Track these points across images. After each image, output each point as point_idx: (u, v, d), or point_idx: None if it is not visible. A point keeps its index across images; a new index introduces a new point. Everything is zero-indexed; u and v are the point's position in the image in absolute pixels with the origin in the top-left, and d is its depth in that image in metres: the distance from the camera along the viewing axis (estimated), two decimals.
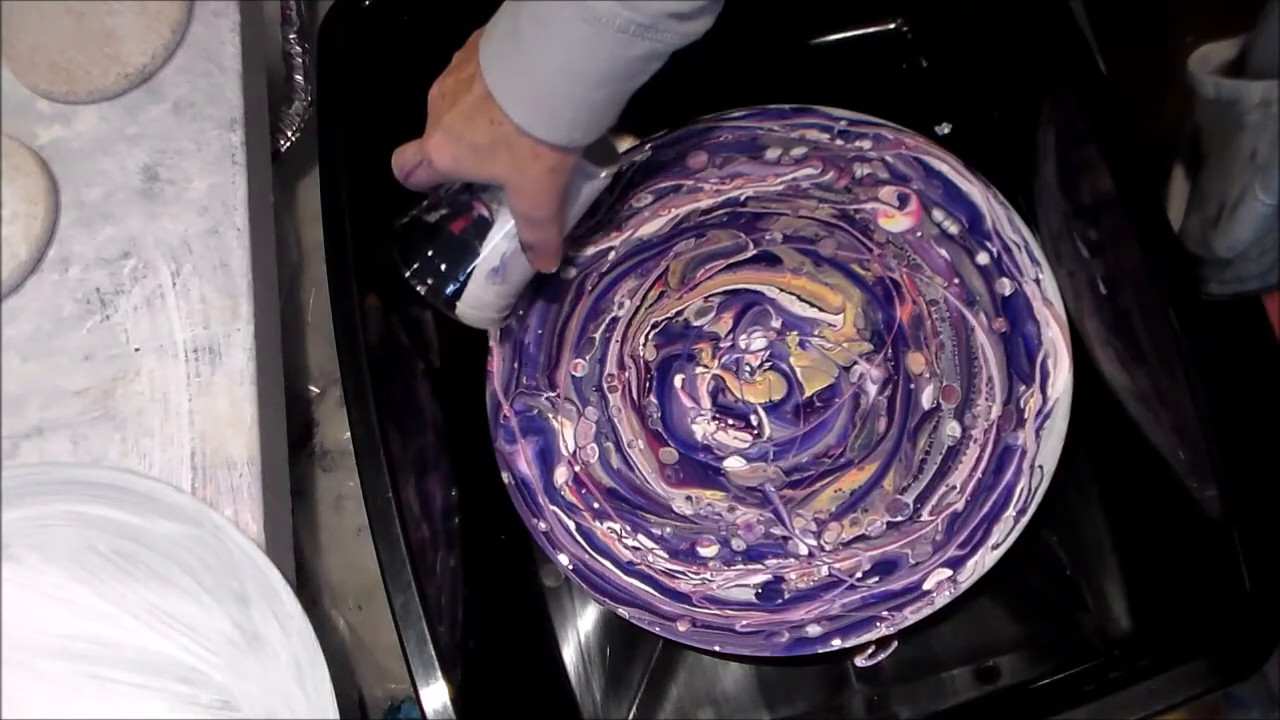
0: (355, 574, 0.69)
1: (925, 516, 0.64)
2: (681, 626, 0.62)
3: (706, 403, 0.68)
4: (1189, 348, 0.56)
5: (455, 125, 0.54)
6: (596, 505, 0.66)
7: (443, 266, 0.59)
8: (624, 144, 0.73)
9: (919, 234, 0.69)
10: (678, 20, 0.49)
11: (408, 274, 0.60)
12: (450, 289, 0.60)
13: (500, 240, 0.59)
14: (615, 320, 0.70)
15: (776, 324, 0.69)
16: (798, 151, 0.72)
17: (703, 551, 0.64)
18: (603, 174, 0.59)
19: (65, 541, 0.55)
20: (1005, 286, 0.67)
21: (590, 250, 0.72)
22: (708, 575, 0.64)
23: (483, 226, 0.59)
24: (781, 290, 0.69)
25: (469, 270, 0.59)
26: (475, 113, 0.53)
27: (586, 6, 0.47)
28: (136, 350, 0.59)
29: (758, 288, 0.70)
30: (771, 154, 0.72)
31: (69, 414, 0.58)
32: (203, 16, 0.66)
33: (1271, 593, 0.52)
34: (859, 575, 0.63)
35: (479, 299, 0.60)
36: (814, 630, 0.61)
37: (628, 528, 0.65)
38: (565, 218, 0.59)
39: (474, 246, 0.59)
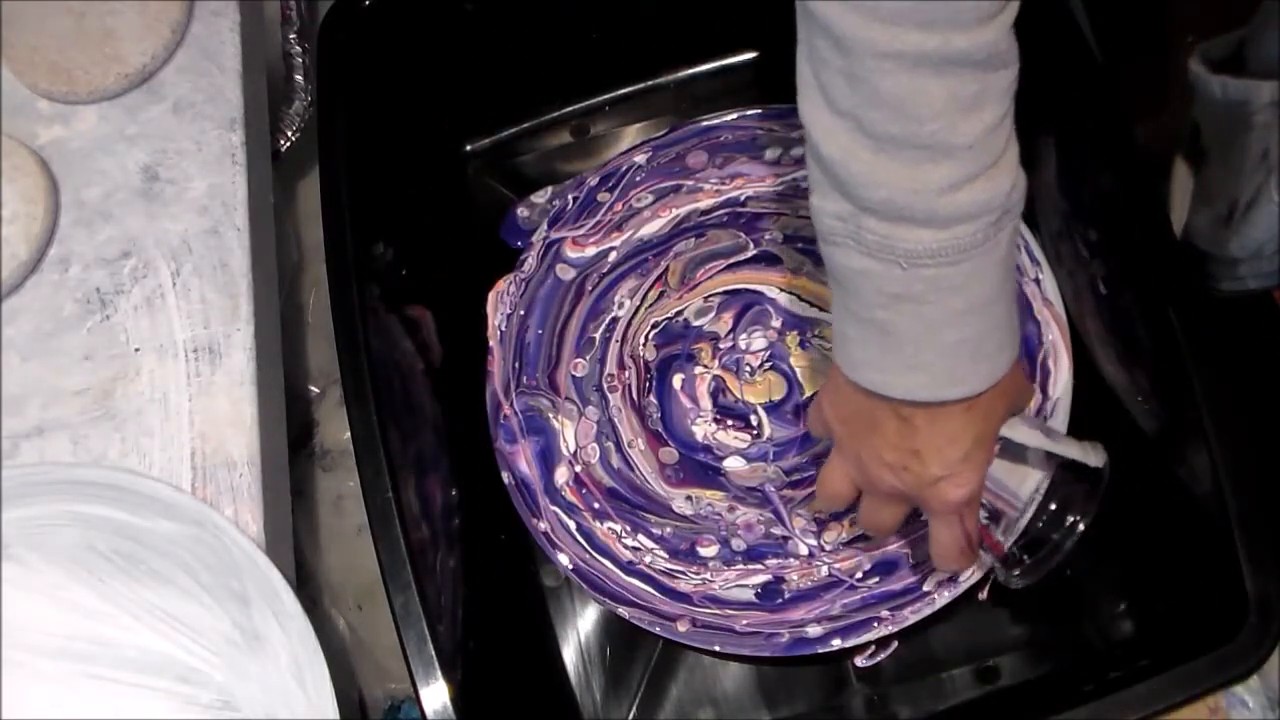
0: (355, 574, 0.69)
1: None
2: (681, 626, 0.62)
3: (706, 403, 0.68)
4: (1189, 347, 0.56)
5: (956, 448, 0.48)
6: (597, 505, 0.66)
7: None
8: None
9: None
10: (1020, 191, 0.44)
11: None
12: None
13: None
14: (615, 320, 0.70)
15: (776, 324, 0.69)
16: (798, 151, 0.72)
17: (703, 551, 0.64)
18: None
19: (65, 541, 0.55)
20: None
21: (590, 250, 0.71)
22: (708, 575, 0.64)
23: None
24: (781, 290, 0.69)
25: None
26: (954, 426, 0.48)
27: (943, 243, 0.42)
28: (136, 350, 0.59)
29: (758, 288, 0.70)
30: (771, 154, 0.72)
31: (69, 414, 0.58)
32: (203, 16, 0.66)
33: (1271, 593, 0.52)
34: (859, 575, 0.63)
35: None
36: (814, 630, 0.61)
37: (628, 528, 0.65)
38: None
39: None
